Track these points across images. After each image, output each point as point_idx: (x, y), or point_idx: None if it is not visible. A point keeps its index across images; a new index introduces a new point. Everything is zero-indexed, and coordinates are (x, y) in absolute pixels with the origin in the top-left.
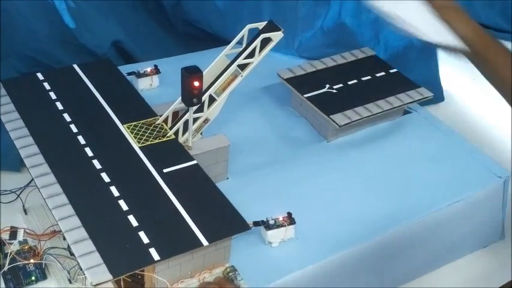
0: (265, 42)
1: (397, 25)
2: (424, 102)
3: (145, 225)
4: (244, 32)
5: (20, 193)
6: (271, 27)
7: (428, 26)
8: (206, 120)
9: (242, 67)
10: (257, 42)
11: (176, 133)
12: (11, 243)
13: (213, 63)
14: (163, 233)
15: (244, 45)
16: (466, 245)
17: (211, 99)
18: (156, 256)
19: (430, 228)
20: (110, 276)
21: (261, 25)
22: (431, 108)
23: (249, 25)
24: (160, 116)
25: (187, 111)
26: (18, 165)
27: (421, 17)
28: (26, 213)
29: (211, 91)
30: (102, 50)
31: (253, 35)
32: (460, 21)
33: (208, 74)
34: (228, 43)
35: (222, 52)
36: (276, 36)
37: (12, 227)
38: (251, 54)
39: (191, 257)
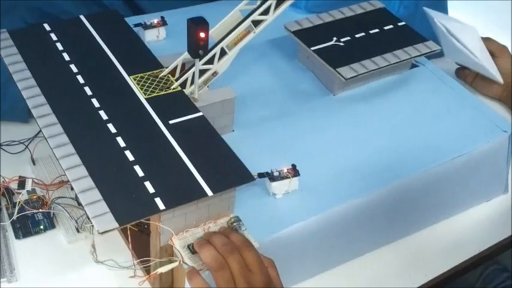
0: (280, 1)
1: (454, 42)
2: (432, 56)
3: (151, 176)
4: None
5: (29, 144)
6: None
7: (480, 53)
8: (215, 74)
9: (255, 23)
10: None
11: (183, 85)
12: (20, 193)
13: (227, 17)
14: (168, 183)
15: (259, 2)
16: (469, 198)
17: (223, 53)
18: (161, 205)
19: (435, 182)
20: (116, 224)
21: None
22: (439, 61)
23: None
24: (167, 67)
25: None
26: (26, 116)
27: (478, 46)
28: (34, 164)
29: (223, 44)
30: (109, 0)
31: None
32: (505, 62)
33: (220, 27)
34: None
35: (236, 7)
36: None
37: (20, 177)
38: (265, 12)
39: (196, 207)
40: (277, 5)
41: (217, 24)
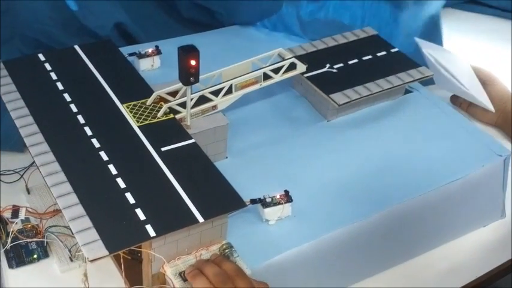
0: (290, 67)
1: (443, 72)
2: (426, 82)
3: (142, 203)
4: (274, 53)
5: (23, 173)
6: (298, 59)
7: (469, 82)
8: (214, 107)
9: (264, 77)
10: (286, 63)
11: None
12: (13, 222)
13: (238, 63)
14: (159, 210)
15: (269, 63)
16: (466, 223)
17: (229, 91)
18: (152, 232)
19: (430, 207)
20: (106, 252)
21: (288, 55)
22: (434, 87)
23: (280, 49)
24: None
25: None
26: (21, 145)
27: (467, 75)
28: (28, 193)
29: (234, 82)
30: (105, 32)
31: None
32: (497, 89)
33: (231, 70)
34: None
35: (249, 59)
36: (300, 67)
37: (14, 206)
38: (276, 71)
39: (187, 233)
40: (287, 70)
41: (228, 67)
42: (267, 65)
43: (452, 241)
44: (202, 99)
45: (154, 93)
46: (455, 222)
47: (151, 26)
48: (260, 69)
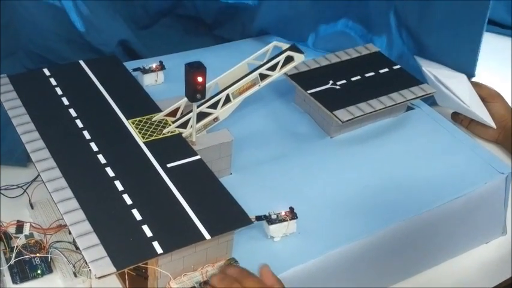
0: (287, 60)
1: (443, 90)
2: (429, 102)
3: (148, 219)
4: (269, 47)
5: (27, 188)
6: (294, 49)
7: (469, 99)
8: (216, 119)
9: (262, 77)
10: (281, 58)
11: (184, 125)
12: (17, 237)
13: (234, 67)
14: (166, 227)
15: (266, 59)
16: (467, 240)
17: (227, 100)
18: (159, 249)
19: (432, 224)
20: (114, 269)
21: (284, 46)
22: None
23: (275, 42)
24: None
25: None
26: (25, 160)
27: (467, 93)
28: (32, 208)
29: (229, 91)
30: (109, 48)
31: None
32: (497, 106)
33: (227, 77)
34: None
35: (244, 60)
36: (298, 57)
37: (18, 221)
38: (272, 68)
39: (194, 250)
40: (284, 64)
41: (224, 73)
42: (264, 61)
43: (453, 258)
44: (202, 113)
45: (157, 116)
46: (456, 239)
47: (156, 43)
48: (255, 70)
